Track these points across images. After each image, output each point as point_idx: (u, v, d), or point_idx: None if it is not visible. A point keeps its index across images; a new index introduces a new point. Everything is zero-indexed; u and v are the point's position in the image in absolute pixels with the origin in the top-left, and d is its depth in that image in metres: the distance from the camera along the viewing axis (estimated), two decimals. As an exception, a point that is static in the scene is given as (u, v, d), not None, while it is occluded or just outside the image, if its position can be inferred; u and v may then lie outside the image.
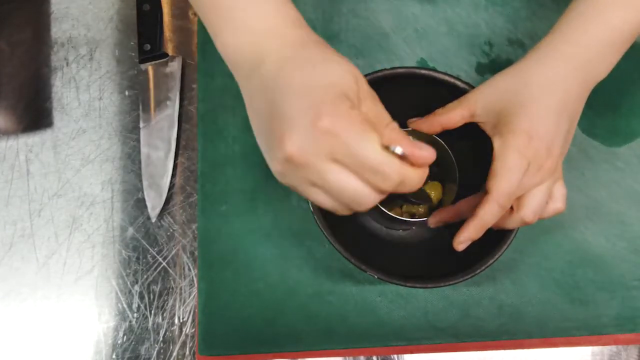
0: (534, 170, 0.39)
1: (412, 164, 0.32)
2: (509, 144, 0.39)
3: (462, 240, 0.42)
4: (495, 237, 0.45)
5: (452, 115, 0.44)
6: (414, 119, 0.47)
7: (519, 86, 0.41)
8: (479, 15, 0.59)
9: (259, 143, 0.35)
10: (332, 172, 0.31)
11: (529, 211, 0.40)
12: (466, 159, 0.51)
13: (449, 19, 0.59)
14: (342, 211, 0.35)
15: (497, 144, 0.40)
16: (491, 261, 0.44)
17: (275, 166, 0.33)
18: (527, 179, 0.39)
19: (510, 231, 0.45)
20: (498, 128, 0.41)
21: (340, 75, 0.33)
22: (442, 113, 0.44)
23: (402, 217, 0.49)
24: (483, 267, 0.44)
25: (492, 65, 0.58)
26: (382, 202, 0.48)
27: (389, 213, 0.47)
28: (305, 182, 0.32)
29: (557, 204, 0.42)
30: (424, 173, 0.33)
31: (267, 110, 0.33)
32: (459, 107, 0.44)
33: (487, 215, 0.40)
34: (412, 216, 0.52)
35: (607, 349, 0.53)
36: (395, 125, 0.34)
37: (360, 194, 0.32)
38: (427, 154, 0.33)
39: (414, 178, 0.32)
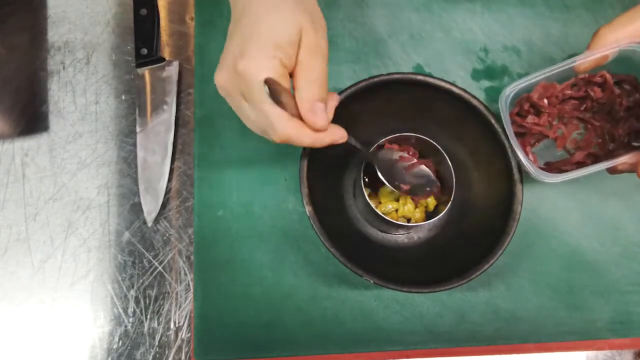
0: None
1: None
2: None
3: None
4: (490, 242, 0.45)
5: (627, 30, 0.41)
6: (580, 58, 0.43)
7: None
8: (474, 21, 0.59)
9: None
10: (243, 107, 0.38)
11: None
12: (462, 158, 0.51)
13: (445, 25, 0.59)
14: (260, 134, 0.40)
15: None
16: (486, 266, 0.44)
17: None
18: None
19: (505, 236, 0.45)
20: None
21: (283, 24, 0.36)
22: (612, 30, 0.41)
23: (398, 221, 0.49)
24: (478, 272, 0.44)
25: (488, 71, 0.58)
26: (378, 205, 0.48)
27: (386, 217, 0.47)
28: (230, 103, 0.39)
29: None
30: (314, 135, 0.37)
31: (229, 31, 0.38)
32: (634, 20, 0.40)
33: None
34: (408, 221, 0.52)
35: (601, 354, 0.53)
36: (317, 82, 0.37)
37: (261, 127, 0.38)
38: (319, 120, 0.37)
39: (300, 137, 0.37)
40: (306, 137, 0.37)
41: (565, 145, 0.47)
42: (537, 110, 0.46)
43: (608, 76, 0.44)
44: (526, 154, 0.46)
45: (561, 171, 0.44)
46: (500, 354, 0.52)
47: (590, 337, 0.52)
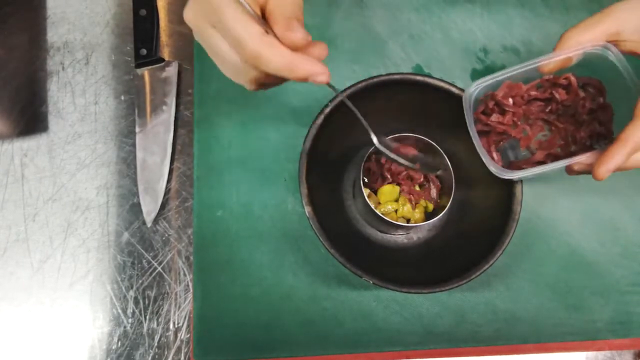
0: None
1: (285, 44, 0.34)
2: None
3: (610, 167, 0.39)
4: (490, 243, 0.45)
5: (592, 33, 0.41)
6: (545, 59, 0.43)
7: None
8: (473, 22, 0.60)
9: None
10: (212, 37, 0.36)
11: None
12: (461, 159, 0.51)
13: (444, 26, 0.59)
14: (234, 78, 0.38)
15: None
16: (486, 267, 0.44)
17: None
18: None
19: (505, 236, 0.45)
20: None
21: None
22: (578, 32, 0.41)
23: (397, 222, 0.49)
24: (478, 273, 0.44)
25: (487, 72, 0.58)
26: (376, 206, 0.48)
27: (385, 218, 0.47)
28: (202, 42, 0.37)
29: None
30: (289, 56, 0.34)
31: None
32: (600, 24, 0.40)
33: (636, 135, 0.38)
34: (408, 221, 0.52)
35: (601, 354, 0.53)
36: (291, 2, 0.35)
37: (233, 59, 0.35)
38: (297, 33, 0.34)
39: (272, 55, 0.33)
40: (279, 57, 0.33)
41: (529, 145, 0.47)
42: (502, 109, 0.46)
43: (573, 79, 0.45)
44: (489, 152, 0.47)
45: (521, 169, 0.45)
46: (499, 354, 0.52)
47: (590, 337, 0.52)
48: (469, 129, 0.45)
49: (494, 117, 0.47)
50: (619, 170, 0.39)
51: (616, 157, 0.38)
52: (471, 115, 0.45)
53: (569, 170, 0.43)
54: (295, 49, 0.34)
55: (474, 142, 0.44)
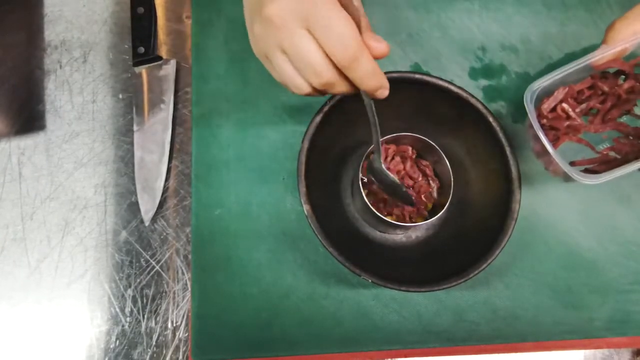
0: None
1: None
2: None
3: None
4: (489, 241, 0.45)
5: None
6: (598, 54, 0.44)
7: None
8: (472, 20, 0.59)
9: (245, 13, 0.37)
10: (301, 36, 0.34)
11: None
12: (460, 158, 0.51)
13: (443, 24, 0.59)
14: (296, 87, 0.37)
15: None
16: (484, 265, 0.44)
17: (256, 29, 0.35)
18: None
19: (503, 235, 0.45)
20: None
21: None
22: (630, 22, 0.42)
23: (396, 221, 0.49)
24: (476, 271, 0.44)
25: (485, 70, 0.58)
26: (375, 207, 0.48)
27: (384, 217, 0.47)
28: (276, 47, 0.35)
29: None
30: (373, 61, 0.35)
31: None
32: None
33: None
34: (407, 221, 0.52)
35: (599, 352, 0.53)
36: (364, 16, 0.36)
37: (318, 64, 0.34)
38: (383, 45, 0.35)
39: (367, 60, 0.34)
40: (371, 62, 0.35)
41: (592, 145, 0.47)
42: (567, 114, 0.47)
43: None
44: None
45: (589, 171, 0.45)
46: (498, 352, 0.52)
47: (588, 336, 0.52)
48: (539, 135, 0.43)
49: (561, 118, 0.46)
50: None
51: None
52: (534, 113, 0.44)
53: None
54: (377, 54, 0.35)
55: (548, 148, 0.43)
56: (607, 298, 0.53)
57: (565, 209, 0.55)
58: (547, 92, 0.46)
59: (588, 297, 0.53)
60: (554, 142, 0.46)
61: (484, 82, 0.58)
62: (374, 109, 0.40)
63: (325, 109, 0.46)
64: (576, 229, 0.54)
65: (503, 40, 0.59)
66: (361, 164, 0.49)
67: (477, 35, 0.59)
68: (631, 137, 0.47)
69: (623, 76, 0.46)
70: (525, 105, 0.44)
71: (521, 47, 0.59)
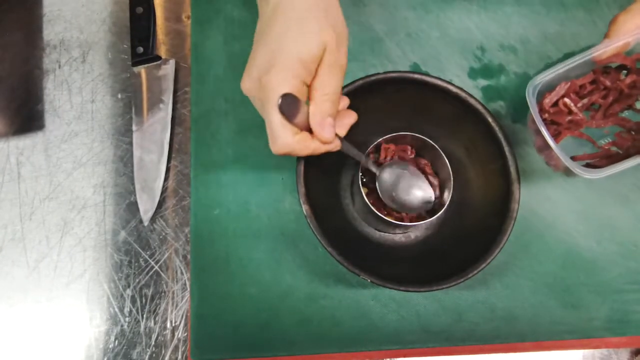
0: None
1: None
2: None
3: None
4: (487, 241, 0.45)
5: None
6: (600, 48, 0.45)
7: None
8: (471, 20, 0.59)
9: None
10: (265, 111, 0.39)
11: None
12: (459, 157, 0.51)
13: (442, 24, 0.59)
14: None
15: None
16: (483, 265, 0.44)
17: (247, 82, 0.40)
18: None
19: (502, 235, 0.45)
20: None
21: (308, 41, 0.37)
22: (633, 16, 0.43)
23: (395, 221, 0.49)
24: (475, 271, 0.44)
25: (484, 70, 0.58)
26: (375, 206, 0.48)
27: (383, 217, 0.47)
28: (256, 107, 0.41)
29: None
30: (313, 147, 0.40)
31: (256, 38, 0.40)
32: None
33: None
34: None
35: (598, 352, 0.53)
36: (331, 98, 0.39)
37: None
38: (326, 134, 0.39)
39: (301, 150, 0.39)
40: (305, 150, 0.39)
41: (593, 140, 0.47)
42: (568, 109, 0.47)
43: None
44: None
45: (590, 165, 0.44)
46: (497, 352, 0.52)
47: (587, 335, 0.52)
48: (541, 129, 0.43)
49: (562, 113, 0.46)
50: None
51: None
52: (536, 109, 0.44)
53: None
54: (322, 142, 0.40)
55: (549, 142, 0.43)
56: (606, 298, 0.53)
57: (565, 208, 0.55)
58: (549, 87, 0.46)
59: (587, 297, 0.53)
60: (556, 136, 0.46)
61: (483, 82, 0.58)
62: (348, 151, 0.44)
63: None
64: (575, 229, 0.54)
65: (502, 40, 0.59)
66: (360, 163, 0.49)
67: (476, 35, 0.59)
68: (633, 132, 0.47)
69: (625, 71, 0.46)
70: (527, 100, 0.44)
71: (520, 47, 0.59)
